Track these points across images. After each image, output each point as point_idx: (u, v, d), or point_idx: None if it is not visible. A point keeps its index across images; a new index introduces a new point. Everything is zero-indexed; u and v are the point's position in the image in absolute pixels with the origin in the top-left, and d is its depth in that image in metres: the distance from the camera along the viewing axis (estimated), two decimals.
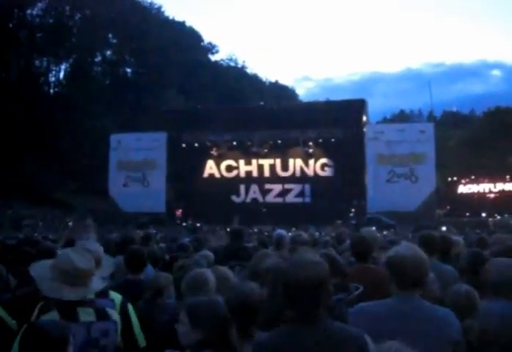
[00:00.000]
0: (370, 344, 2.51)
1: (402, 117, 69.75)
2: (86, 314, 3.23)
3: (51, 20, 53.44)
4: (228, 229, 9.07)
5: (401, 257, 3.12)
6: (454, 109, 73.85)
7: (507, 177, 38.44)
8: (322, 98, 67.98)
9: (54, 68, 57.28)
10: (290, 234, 7.46)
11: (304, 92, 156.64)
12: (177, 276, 4.63)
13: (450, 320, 3.00)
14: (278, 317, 3.20)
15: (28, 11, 52.90)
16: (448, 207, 37.28)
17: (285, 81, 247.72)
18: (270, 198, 36.64)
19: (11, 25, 50.44)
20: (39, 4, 53.10)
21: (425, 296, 3.11)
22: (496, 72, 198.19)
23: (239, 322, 3.20)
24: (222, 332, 2.96)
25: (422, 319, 2.94)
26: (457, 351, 2.93)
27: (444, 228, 17.04)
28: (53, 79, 57.66)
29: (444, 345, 2.88)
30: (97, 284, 3.35)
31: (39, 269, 3.27)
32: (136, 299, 4.05)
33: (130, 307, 3.66)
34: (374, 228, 7.04)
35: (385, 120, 66.71)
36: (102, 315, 3.29)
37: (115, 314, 3.39)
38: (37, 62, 55.07)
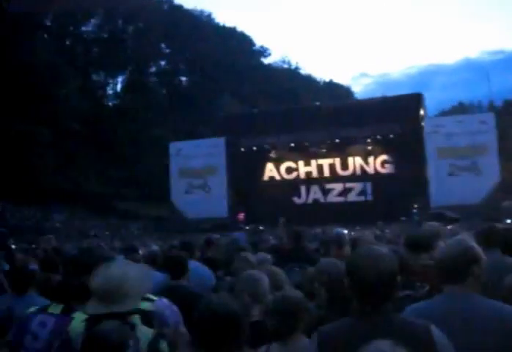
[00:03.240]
0: (438, 334, 2.50)
1: (461, 109, 68.43)
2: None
3: (106, 35, 54.60)
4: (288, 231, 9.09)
5: (443, 249, 3.13)
6: None
7: None
8: (379, 94, 67.23)
9: (111, 81, 58.55)
10: (353, 233, 7.43)
11: (361, 88, 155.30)
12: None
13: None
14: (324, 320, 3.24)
15: (83, 27, 54.21)
16: None
17: (342, 79, 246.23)
18: (331, 198, 36.45)
19: (67, 42, 51.72)
20: (93, 20, 54.31)
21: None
22: None
23: (278, 325, 3.28)
24: None
25: (478, 317, 2.88)
26: None
27: (509, 220, 16.66)
28: (110, 92, 58.99)
29: (505, 346, 2.80)
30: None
31: None
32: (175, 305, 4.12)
33: None
34: (437, 223, 6.92)
35: (444, 113, 65.51)
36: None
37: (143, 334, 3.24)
38: (94, 76, 56.32)
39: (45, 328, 3.34)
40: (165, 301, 4.11)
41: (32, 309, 3.47)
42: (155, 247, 11.59)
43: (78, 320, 3.31)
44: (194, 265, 5.85)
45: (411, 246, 4.84)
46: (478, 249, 3.13)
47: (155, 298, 4.11)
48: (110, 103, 58.13)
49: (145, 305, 4.03)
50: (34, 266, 5.19)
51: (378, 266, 2.53)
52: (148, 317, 3.89)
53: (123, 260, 3.40)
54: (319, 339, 2.67)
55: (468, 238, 3.29)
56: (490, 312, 2.89)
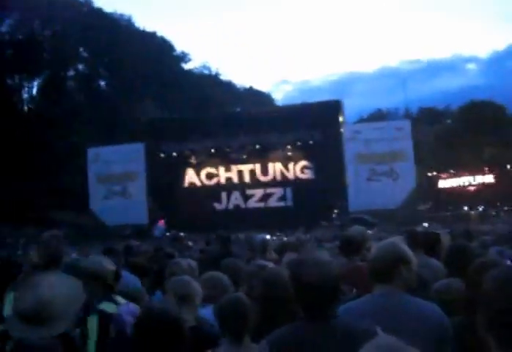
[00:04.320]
0: (381, 334, 2.53)
1: (379, 116, 70.12)
2: None
3: (21, 37, 53.22)
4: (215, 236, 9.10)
5: (373, 249, 3.21)
6: (430, 105, 74.41)
7: (486, 169, 38.84)
8: (300, 101, 68.06)
9: (27, 85, 57.04)
10: (274, 238, 7.49)
11: (282, 95, 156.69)
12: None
13: (436, 316, 3.01)
14: (270, 319, 3.24)
15: None
16: (430, 203, 37.50)
17: (263, 85, 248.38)
18: (252, 203, 36.58)
19: None
20: (8, 21, 52.87)
21: None
22: (471, 66, 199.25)
23: (232, 328, 3.24)
24: None
25: (405, 314, 2.96)
26: (444, 349, 2.94)
27: (426, 224, 17.11)
28: (26, 96, 57.42)
29: (430, 342, 2.88)
30: None
31: None
32: None
33: None
34: (363, 227, 7.05)
35: (362, 120, 66.90)
36: None
37: None
38: (8, 80, 54.76)
39: None
40: (131, 307, 4.04)
41: None
42: (74, 255, 11.36)
43: None
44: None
45: (344, 249, 4.91)
46: (408, 251, 3.21)
47: (123, 302, 4.06)
48: (25, 108, 56.64)
49: (109, 307, 3.98)
50: None
51: (323, 272, 2.58)
52: (106, 319, 3.83)
53: (52, 277, 3.08)
54: (270, 345, 2.68)
55: (399, 241, 3.36)
56: (416, 309, 3.03)
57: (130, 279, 5.67)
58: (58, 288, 2.94)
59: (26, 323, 2.82)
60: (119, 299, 4.14)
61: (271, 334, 2.76)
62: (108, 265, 4.27)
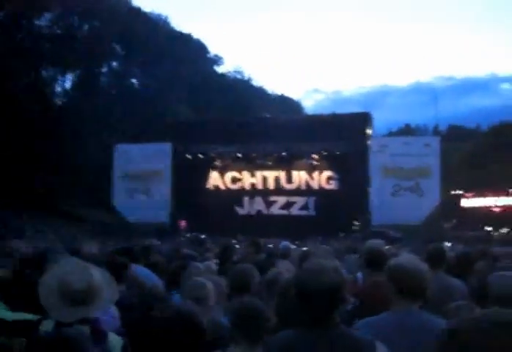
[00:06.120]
0: (381, 350, 2.53)
1: (408, 131, 69.99)
2: None
3: (59, 31, 53.78)
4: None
5: (399, 265, 3.15)
6: (460, 123, 73.98)
7: (511, 190, 38.48)
8: (330, 110, 68.11)
9: (61, 78, 57.57)
10: (294, 246, 7.49)
11: (312, 104, 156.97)
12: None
13: None
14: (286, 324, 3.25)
15: (36, 22, 53.25)
16: (454, 221, 37.21)
17: (294, 93, 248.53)
18: (274, 210, 36.55)
19: (19, 36, 50.75)
20: (47, 15, 53.43)
21: None
22: (506, 86, 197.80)
23: (246, 329, 3.26)
24: None
25: (423, 332, 2.94)
26: None
27: (448, 244, 16.91)
28: (59, 89, 57.95)
29: None
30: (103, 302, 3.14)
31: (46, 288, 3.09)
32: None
33: None
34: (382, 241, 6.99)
35: (391, 134, 66.65)
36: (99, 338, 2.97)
37: (117, 342, 3.07)
38: (44, 73, 55.31)
39: None
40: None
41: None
42: (94, 249, 11.48)
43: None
44: (143, 271, 5.80)
45: (371, 262, 4.89)
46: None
47: None
48: (58, 101, 57.14)
49: None
50: None
51: (320, 279, 2.56)
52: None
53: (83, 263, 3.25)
54: (266, 350, 2.69)
55: (417, 258, 3.33)
56: (432, 328, 2.97)
57: (150, 277, 5.73)
58: (97, 272, 3.16)
59: (71, 304, 2.99)
60: None
61: (270, 338, 2.78)
62: None
